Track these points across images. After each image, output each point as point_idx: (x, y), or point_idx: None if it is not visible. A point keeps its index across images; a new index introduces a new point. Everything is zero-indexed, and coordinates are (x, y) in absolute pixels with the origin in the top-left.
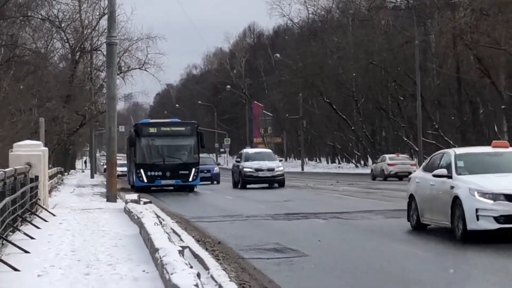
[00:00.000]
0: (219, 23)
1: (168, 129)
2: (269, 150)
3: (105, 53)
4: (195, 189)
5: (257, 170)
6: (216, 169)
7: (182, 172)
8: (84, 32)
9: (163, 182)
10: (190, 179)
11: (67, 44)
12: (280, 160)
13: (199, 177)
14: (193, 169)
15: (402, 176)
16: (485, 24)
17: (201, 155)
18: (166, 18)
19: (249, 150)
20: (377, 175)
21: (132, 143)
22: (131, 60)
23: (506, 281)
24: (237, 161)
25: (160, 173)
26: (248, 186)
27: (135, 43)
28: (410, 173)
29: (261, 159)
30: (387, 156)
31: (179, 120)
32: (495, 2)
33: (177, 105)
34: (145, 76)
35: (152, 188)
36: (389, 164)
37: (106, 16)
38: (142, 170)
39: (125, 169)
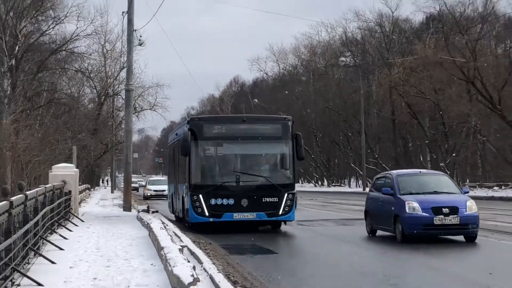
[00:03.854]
0: (212, 74)
1: (244, 127)
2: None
3: (124, 97)
4: (283, 226)
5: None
6: (471, 205)
7: (267, 199)
8: (108, 81)
9: (237, 215)
10: (281, 212)
11: (94, 90)
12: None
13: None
14: (285, 195)
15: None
16: (413, 79)
17: (425, 170)
18: (171, 70)
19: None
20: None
21: (184, 149)
22: (144, 102)
23: None
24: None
25: (231, 202)
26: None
27: (147, 90)
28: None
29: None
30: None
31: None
32: (422, 62)
33: None
34: (154, 115)
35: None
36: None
37: (125, 69)
38: (201, 197)
39: (161, 188)
